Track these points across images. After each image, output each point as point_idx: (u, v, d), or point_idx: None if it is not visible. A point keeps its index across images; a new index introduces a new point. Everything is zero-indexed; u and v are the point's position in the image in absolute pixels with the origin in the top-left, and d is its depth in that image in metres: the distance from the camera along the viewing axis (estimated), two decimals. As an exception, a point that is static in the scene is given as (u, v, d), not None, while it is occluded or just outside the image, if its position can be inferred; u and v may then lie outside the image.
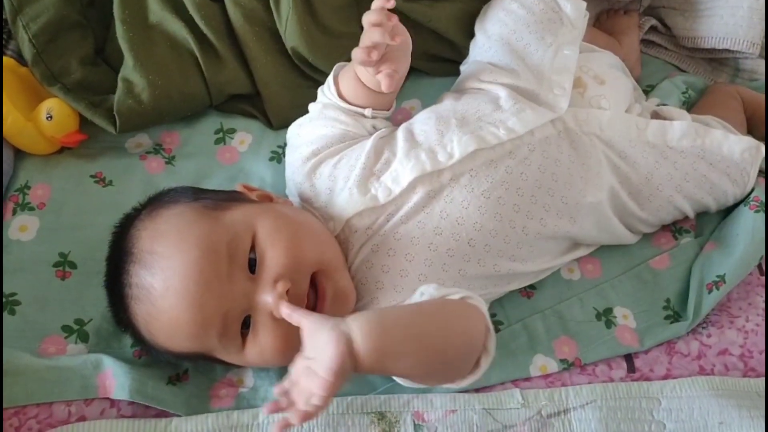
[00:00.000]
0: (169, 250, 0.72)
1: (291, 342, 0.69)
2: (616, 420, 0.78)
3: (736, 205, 0.95)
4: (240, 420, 0.76)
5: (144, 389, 0.77)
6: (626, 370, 0.84)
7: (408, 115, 1.05)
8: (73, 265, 0.89)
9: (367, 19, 0.77)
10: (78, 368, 0.78)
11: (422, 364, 0.68)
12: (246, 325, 0.74)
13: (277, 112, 1.04)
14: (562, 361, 0.84)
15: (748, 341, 0.85)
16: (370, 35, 0.77)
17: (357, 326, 0.63)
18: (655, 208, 0.91)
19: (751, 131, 1.03)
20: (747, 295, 0.89)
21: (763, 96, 1.07)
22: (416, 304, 0.75)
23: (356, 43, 1.03)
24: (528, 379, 0.83)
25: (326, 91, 0.89)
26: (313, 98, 0.92)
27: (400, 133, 0.87)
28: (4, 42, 1.02)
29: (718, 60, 1.17)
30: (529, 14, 0.95)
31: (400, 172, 0.82)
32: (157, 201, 0.80)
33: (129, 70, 0.99)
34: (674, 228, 0.97)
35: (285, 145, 0.97)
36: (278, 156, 1.02)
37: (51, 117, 0.94)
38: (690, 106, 1.07)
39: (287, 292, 0.72)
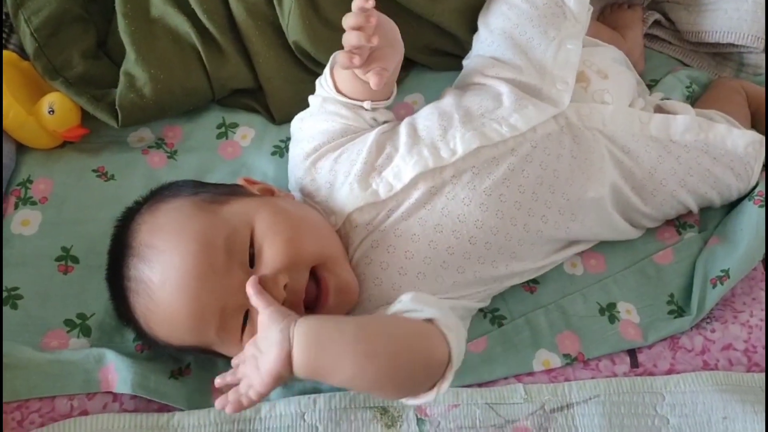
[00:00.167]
0: (167, 243, 0.72)
1: None
2: (620, 415, 0.78)
3: (740, 200, 0.95)
4: (242, 414, 0.76)
5: (146, 383, 0.77)
6: (629, 365, 0.84)
7: (410, 110, 1.05)
8: (75, 260, 0.89)
9: (346, 22, 0.75)
10: (80, 362, 0.79)
11: (363, 381, 0.68)
12: (245, 319, 0.74)
13: (279, 107, 1.04)
14: (566, 356, 0.84)
15: (752, 336, 0.85)
16: (351, 39, 0.75)
17: (298, 337, 0.65)
18: (658, 202, 0.91)
19: (755, 125, 1.02)
20: (751, 290, 0.89)
21: (767, 91, 1.07)
22: (373, 319, 0.75)
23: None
24: (531, 373, 0.82)
25: (324, 84, 0.88)
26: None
27: (403, 128, 0.86)
28: (6, 36, 1.02)
29: (722, 54, 1.16)
30: (533, 8, 0.95)
31: (402, 167, 0.82)
32: (158, 195, 0.80)
33: (131, 64, 0.99)
34: (678, 223, 0.97)
35: (287, 139, 0.96)
36: (280, 150, 1.02)
37: (53, 111, 0.94)
38: (694, 100, 1.07)
39: (285, 286, 0.72)
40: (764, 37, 1.07)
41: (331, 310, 0.75)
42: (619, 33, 1.13)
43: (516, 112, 0.85)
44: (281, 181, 0.94)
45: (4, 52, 0.97)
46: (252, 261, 0.74)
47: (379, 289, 0.80)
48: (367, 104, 0.86)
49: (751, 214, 0.91)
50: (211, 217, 0.75)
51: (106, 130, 0.99)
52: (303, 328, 0.66)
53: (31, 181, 0.95)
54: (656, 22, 1.17)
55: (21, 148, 0.98)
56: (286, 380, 0.67)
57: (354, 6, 0.75)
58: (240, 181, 0.86)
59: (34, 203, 0.93)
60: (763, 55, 1.12)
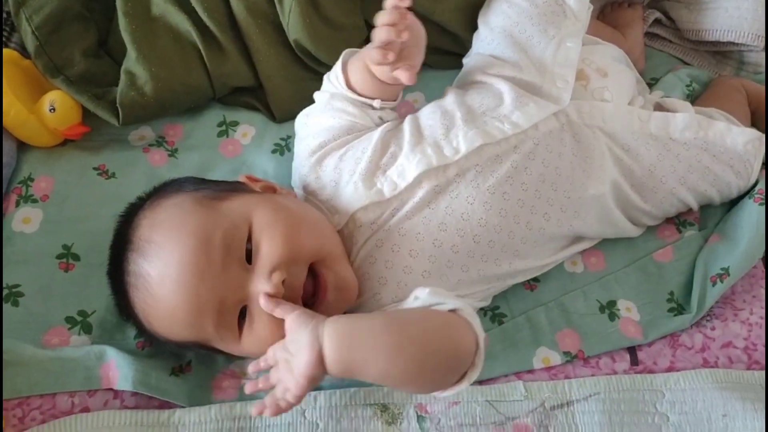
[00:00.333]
0: (166, 239, 0.73)
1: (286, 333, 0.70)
2: (620, 412, 0.78)
3: (740, 198, 0.95)
4: (242, 411, 0.76)
5: (147, 380, 0.77)
6: (630, 362, 0.84)
7: (411, 108, 1.05)
8: (76, 257, 0.89)
9: (381, 19, 0.76)
10: (81, 359, 0.79)
11: (396, 374, 0.69)
12: (244, 315, 0.74)
13: (279, 105, 1.04)
14: (566, 353, 0.84)
15: (752, 334, 0.85)
16: (381, 34, 0.76)
17: (328, 335, 0.66)
18: (658, 200, 0.91)
19: (755, 124, 1.02)
20: (751, 288, 0.89)
21: (768, 89, 1.07)
22: (399, 312, 0.75)
23: (359, 35, 1.03)
24: (531, 371, 0.83)
25: (333, 80, 0.88)
26: (317, 90, 0.92)
27: (407, 126, 0.86)
28: (7, 34, 1.02)
29: (723, 53, 1.16)
30: (533, 6, 0.95)
31: (406, 166, 0.82)
32: (161, 191, 0.80)
33: (132, 62, 0.99)
34: (678, 221, 0.97)
35: (288, 138, 0.96)
36: (281, 149, 1.02)
37: (54, 109, 0.94)
38: (694, 99, 1.07)
39: (283, 282, 0.72)
40: (765, 35, 1.07)
41: (330, 308, 0.75)
42: (620, 31, 1.13)
43: (517, 110, 0.85)
44: (281, 179, 0.94)
45: (5, 51, 0.97)
46: (249, 257, 0.74)
47: (385, 288, 0.80)
48: (376, 103, 0.86)
49: (751, 212, 0.91)
50: (210, 212, 0.75)
51: (107, 128, 1.00)
52: (332, 327, 0.67)
53: (32, 179, 0.95)
54: (656, 21, 1.18)
55: (22, 146, 0.98)
56: (320, 381, 0.67)
57: (387, 4, 0.76)
58: (242, 179, 0.86)
59: (35, 201, 0.93)
60: (764, 54, 1.12)
